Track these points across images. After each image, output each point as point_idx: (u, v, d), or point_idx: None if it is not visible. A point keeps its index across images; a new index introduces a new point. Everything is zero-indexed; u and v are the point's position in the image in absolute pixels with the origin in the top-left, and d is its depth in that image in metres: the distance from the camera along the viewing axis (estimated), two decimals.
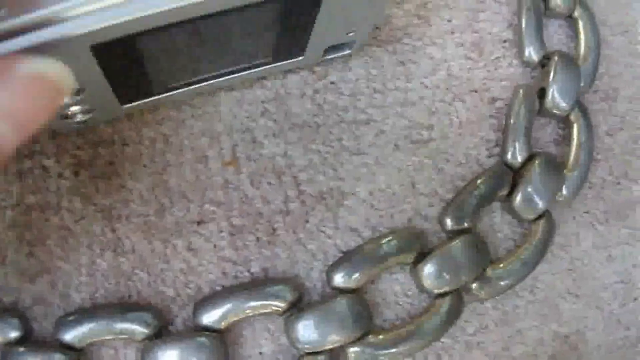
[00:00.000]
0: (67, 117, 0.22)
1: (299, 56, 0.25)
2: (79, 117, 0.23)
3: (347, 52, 0.26)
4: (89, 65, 0.19)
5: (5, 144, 0.15)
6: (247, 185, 0.25)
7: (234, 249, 0.25)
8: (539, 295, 0.28)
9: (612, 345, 0.28)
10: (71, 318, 0.23)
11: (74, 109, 0.22)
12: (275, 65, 0.25)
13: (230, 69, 0.24)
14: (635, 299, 0.29)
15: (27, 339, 0.24)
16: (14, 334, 0.23)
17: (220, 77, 0.24)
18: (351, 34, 0.24)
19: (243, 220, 0.25)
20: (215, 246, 0.25)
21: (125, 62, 0.20)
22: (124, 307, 0.24)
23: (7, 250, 0.24)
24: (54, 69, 0.16)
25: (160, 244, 0.25)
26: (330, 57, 0.26)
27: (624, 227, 0.29)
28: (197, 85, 0.24)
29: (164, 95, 0.24)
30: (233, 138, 0.26)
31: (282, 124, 0.26)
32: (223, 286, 0.25)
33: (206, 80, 0.24)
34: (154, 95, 0.23)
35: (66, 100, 0.21)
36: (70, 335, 0.23)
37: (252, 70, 0.25)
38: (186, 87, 0.24)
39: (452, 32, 0.28)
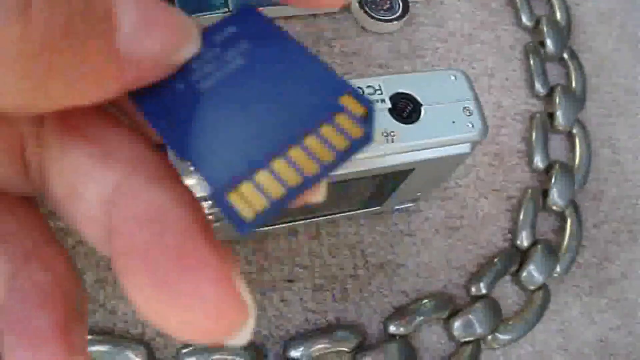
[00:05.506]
0: None
1: (377, 207, 0.31)
2: None
3: (412, 204, 0.32)
4: None
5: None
6: (327, 255, 0.33)
7: (315, 302, 0.32)
8: (537, 348, 0.34)
9: None
10: (190, 348, 0.30)
11: None
12: (358, 212, 0.31)
13: (328, 213, 0.31)
14: (611, 355, 0.36)
15: None
16: (139, 359, 0.29)
17: (320, 217, 0.31)
18: (419, 194, 0.31)
19: (323, 281, 0.32)
20: (301, 299, 0.32)
21: None
22: None
23: None
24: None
25: (259, 295, 0.32)
26: (398, 207, 0.32)
27: (603, 298, 0.36)
28: (302, 222, 0.31)
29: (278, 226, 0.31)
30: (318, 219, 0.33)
31: None
32: (306, 329, 0.32)
33: (309, 219, 0.31)
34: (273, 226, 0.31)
35: None
36: None
37: (341, 215, 0.31)
38: (297, 222, 0.31)
39: (480, 144, 0.37)
